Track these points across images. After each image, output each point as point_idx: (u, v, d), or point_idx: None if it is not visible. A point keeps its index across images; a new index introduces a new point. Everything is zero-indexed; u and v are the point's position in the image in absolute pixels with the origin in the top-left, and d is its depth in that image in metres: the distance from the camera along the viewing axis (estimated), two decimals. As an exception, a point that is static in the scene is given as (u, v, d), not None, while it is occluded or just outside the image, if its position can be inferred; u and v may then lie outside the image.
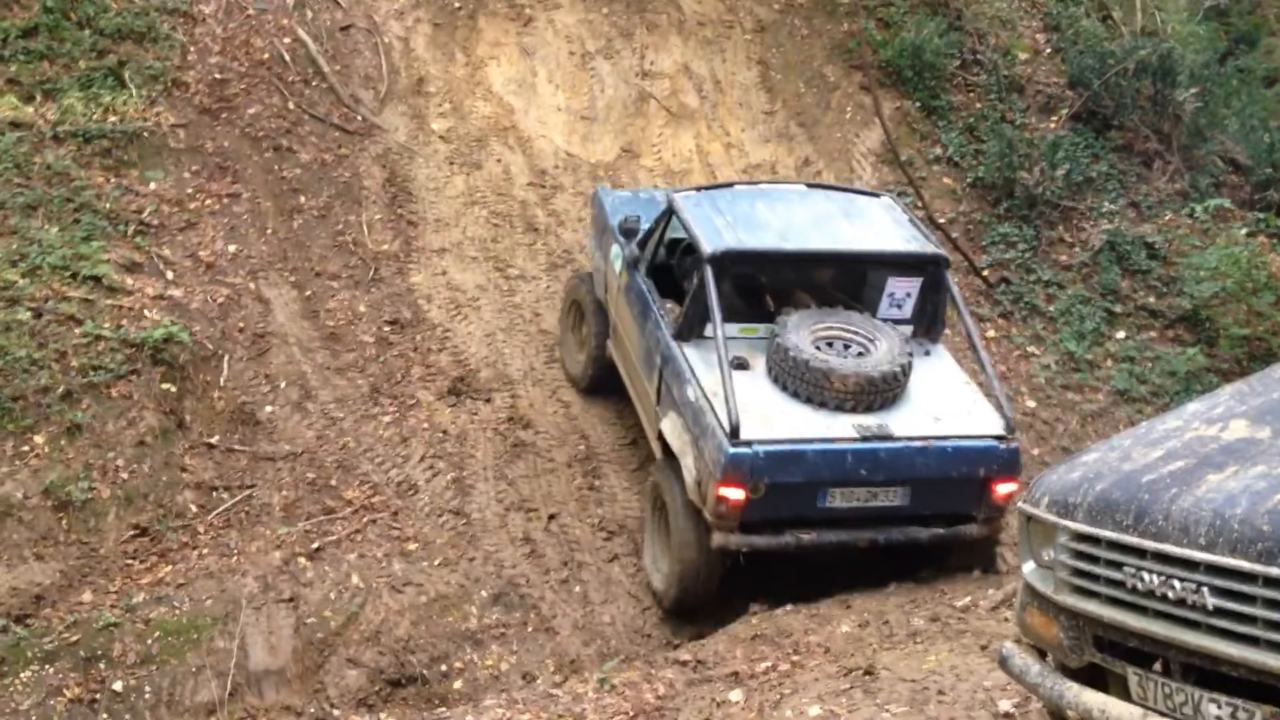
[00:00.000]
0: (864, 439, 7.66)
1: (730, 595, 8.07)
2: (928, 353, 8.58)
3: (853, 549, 7.87)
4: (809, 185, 9.72)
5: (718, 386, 7.65)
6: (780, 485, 7.49)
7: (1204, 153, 13.70)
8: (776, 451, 7.50)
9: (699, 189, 9.22)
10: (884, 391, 7.84)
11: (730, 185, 9.43)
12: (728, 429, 7.45)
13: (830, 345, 8.04)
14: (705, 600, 8.10)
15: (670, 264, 9.26)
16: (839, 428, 7.70)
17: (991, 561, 8.33)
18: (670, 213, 8.92)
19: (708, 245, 8.18)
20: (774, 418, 7.71)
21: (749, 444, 7.45)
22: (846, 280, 8.84)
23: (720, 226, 8.43)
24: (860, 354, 8.00)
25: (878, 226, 8.80)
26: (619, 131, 13.22)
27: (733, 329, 8.21)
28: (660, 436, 8.29)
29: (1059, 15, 14.90)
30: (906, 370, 7.96)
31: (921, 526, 7.87)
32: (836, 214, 8.92)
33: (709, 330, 8.06)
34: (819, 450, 7.59)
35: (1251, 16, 18.30)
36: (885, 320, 8.45)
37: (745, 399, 7.66)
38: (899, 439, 7.70)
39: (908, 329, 8.56)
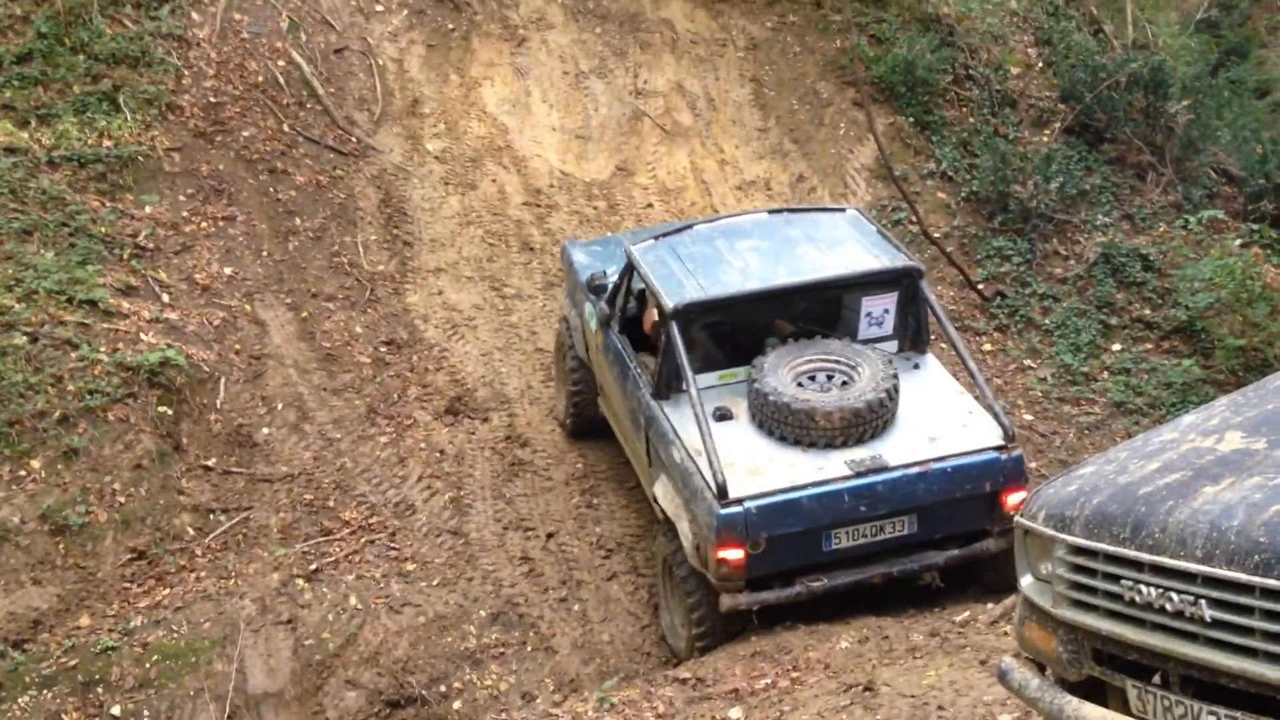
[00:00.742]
0: (858, 474, 7.40)
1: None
2: (916, 365, 8.38)
3: (869, 586, 7.62)
4: (770, 212, 9.39)
5: (701, 445, 7.38)
6: (780, 537, 7.26)
7: (1197, 164, 13.75)
8: (769, 505, 7.26)
9: (657, 236, 8.89)
10: (872, 421, 7.60)
11: (689, 225, 9.10)
12: (715, 490, 7.20)
13: (812, 379, 7.81)
14: (729, 639, 7.80)
15: (638, 315, 8.97)
16: (831, 467, 7.45)
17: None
18: (632, 266, 8.67)
19: (669, 300, 7.93)
20: (763, 468, 7.49)
21: (739, 502, 7.20)
22: (821, 307, 8.54)
23: (680, 276, 8.19)
24: (844, 383, 7.76)
25: (845, 246, 8.53)
26: (613, 150, 13.25)
27: (711, 378, 8.04)
28: (656, 500, 8.08)
29: (1050, 30, 14.97)
30: (893, 394, 7.71)
31: (936, 550, 7.62)
32: (800, 240, 8.63)
33: (685, 385, 7.79)
34: (813, 495, 7.32)
35: (1242, 29, 18.37)
36: (867, 341, 8.25)
37: (731, 452, 7.45)
38: (895, 468, 7.45)
39: (892, 345, 8.39)
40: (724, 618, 7.57)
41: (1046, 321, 11.86)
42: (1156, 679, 3.76)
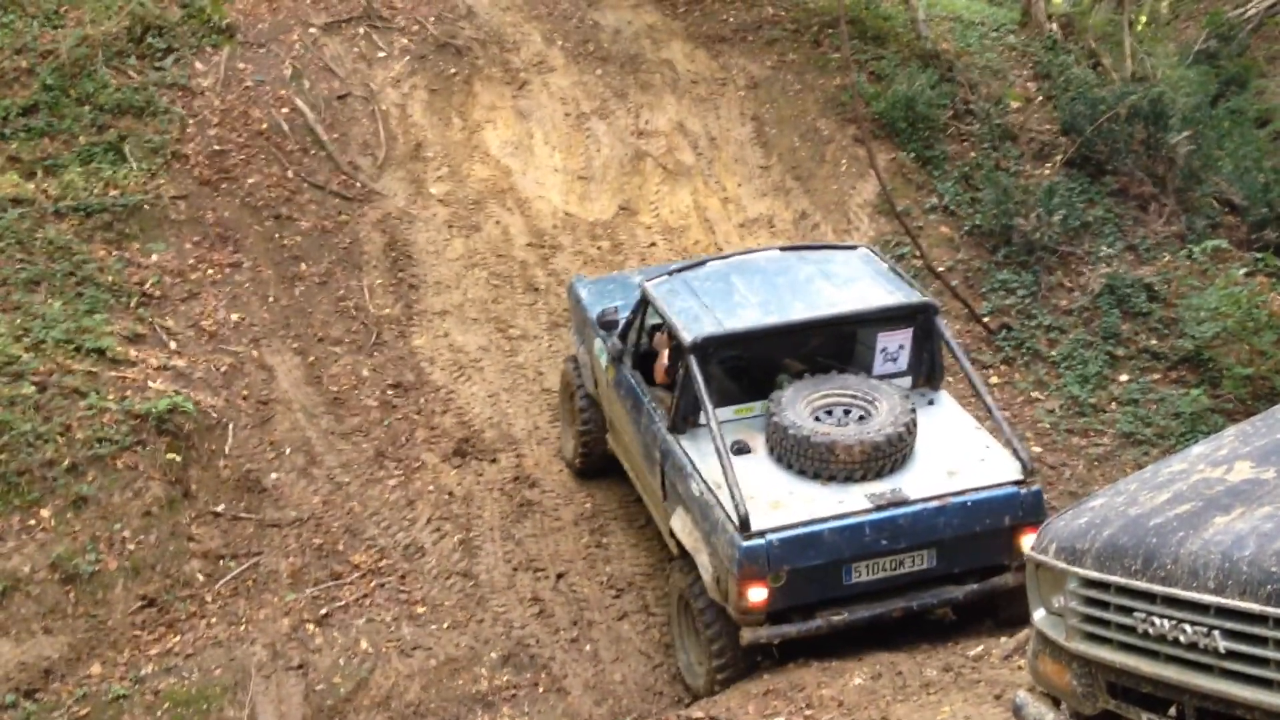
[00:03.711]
0: (879, 508, 7.36)
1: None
2: (931, 402, 8.39)
3: (888, 620, 7.58)
4: (782, 249, 9.40)
5: (721, 478, 7.35)
6: (801, 570, 7.22)
7: (1199, 194, 13.79)
8: (791, 537, 7.21)
9: (671, 272, 8.91)
10: (892, 455, 7.58)
11: (703, 261, 9.09)
12: (737, 523, 7.16)
13: (830, 414, 7.80)
14: (748, 676, 7.73)
15: (651, 352, 8.96)
16: (851, 500, 7.42)
17: None
18: (646, 302, 8.71)
19: (687, 334, 7.93)
20: (783, 501, 7.45)
21: (761, 534, 7.16)
22: (836, 343, 8.57)
23: (698, 311, 8.21)
24: (862, 417, 7.75)
25: (859, 283, 8.56)
26: (616, 190, 13.31)
27: (728, 412, 8.02)
28: (673, 534, 8.02)
29: (1049, 63, 15.05)
30: (912, 428, 7.70)
31: (954, 585, 7.59)
32: (815, 276, 8.65)
33: (704, 418, 7.78)
34: (835, 528, 7.28)
35: (1240, 59, 18.47)
36: (882, 377, 8.26)
37: (751, 485, 7.41)
38: (915, 501, 7.43)
39: (907, 381, 8.41)
40: (743, 651, 7.52)
41: (1053, 353, 11.85)
42: (1172, 711, 3.74)
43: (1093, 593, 3.89)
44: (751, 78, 14.31)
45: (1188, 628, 3.53)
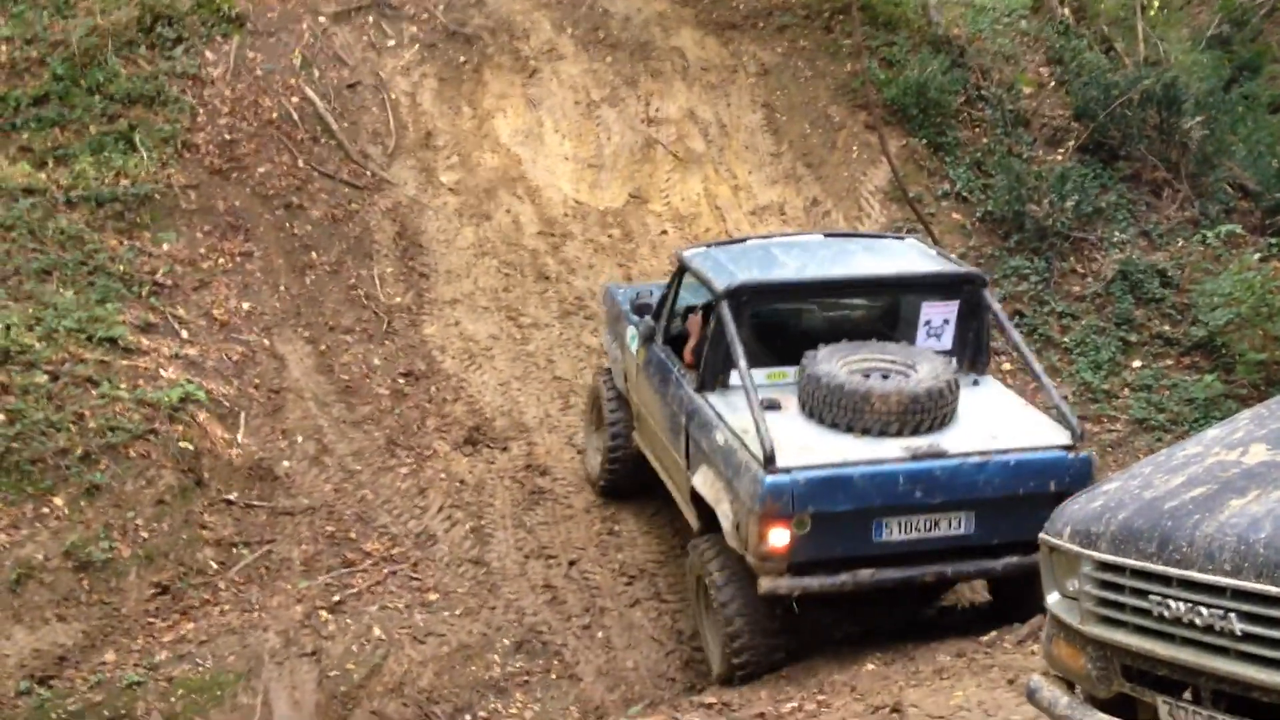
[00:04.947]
0: (914, 458, 6.90)
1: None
2: (976, 382, 7.92)
3: (920, 586, 7.15)
4: (826, 234, 9.11)
5: (748, 424, 6.95)
6: (827, 516, 6.75)
7: (1212, 180, 13.74)
8: (819, 478, 6.75)
9: (709, 245, 8.70)
10: (931, 411, 7.11)
11: (743, 239, 8.88)
12: (762, 458, 6.73)
13: (866, 377, 7.27)
14: (771, 667, 7.35)
15: (684, 334, 8.58)
16: (886, 451, 6.97)
17: None
18: (682, 271, 8.46)
19: (721, 283, 7.62)
20: (813, 447, 6.99)
21: (787, 471, 6.72)
22: (877, 313, 8.18)
23: (734, 269, 7.91)
24: (901, 378, 7.26)
25: (904, 257, 8.29)
26: (627, 178, 13.29)
27: (759, 376, 7.47)
28: (694, 500, 7.66)
29: (1062, 49, 14.98)
30: (954, 388, 7.22)
31: (993, 558, 7.07)
32: (858, 250, 8.46)
33: (733, 379, 7.50)
34: (866, 473, 6.80)
35: (1254, 44, 18.36)
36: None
37: (780, 434, 6.93)
38: (955, 455, 6.94)
39: (951, 362, 7.76)
40: (765, 620, 7.16)
41: (1066, 340, 11.82)
42: (1187, 694, 3.73)
43: (1108, 576, 3.88)
44: (762, 64, 14.27)
45: (1203, 610, 3.52)
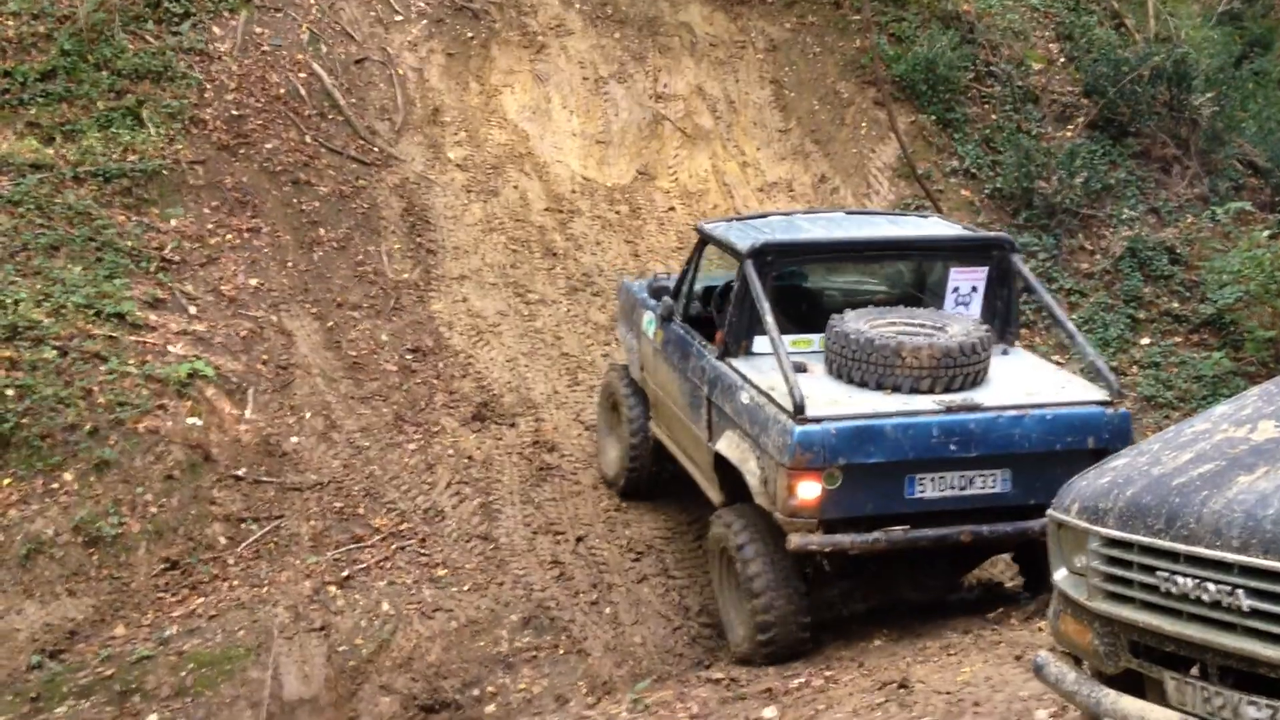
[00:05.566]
0: (948, 410, 6.71)
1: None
2: (1005, 351, 7.75)
3: (949, 553, 6.95)
4: (848, 212, 8.97)
5: (775, 382, 6.80)
6: (858, 469, 6.55)
7: (1222, 156, 13.69)
8: (849, 429, 6.56)
9: (730, 219, 8.55)
10: (964, 366, 6.91)
11: (765, 215, 8.76)
12: (791, 409, 6.55)
13: (897, 334, 7.11)
14: (796, 646, 7.14)
15: (705, 315, 8.41)
16: (918, 405, 6.78)
17: None
18: (702, 245, 8.35)
19: (744, 244, 7.43)
20: (843, 401, 6.81)
21: (818, 421, 6.54)
22: (903, 281, 8.01)
23: (754, 232, 7.79)
24: (932, 334, 7.11)
25: (930, 226, 8.20)
26: (634, 154, 13.27)
27: (784, 343, 7.16)
28: (717, 470, 7.51)
29: (1071, 25, 14.92)
30: (986, 344, 7.04)
31: (1030, 519, 6.75)
32: (882, 221, 8.38)
33: (756, 346, 7.38)
34: (899, 424, 6.61)
35: (1265, 20, 18.28)
36: None
37: (809, 391, 6.75)
38: (990, 408, 6.76)
39: None
40: (792, 591, 6.95)
41: (1074, 317, 11.80)
42: (1195, 670, 3.73)
43: (1115, 552, 3.89)
44: (770, 40, 14.21)
45: (1211, 586, 3.52)
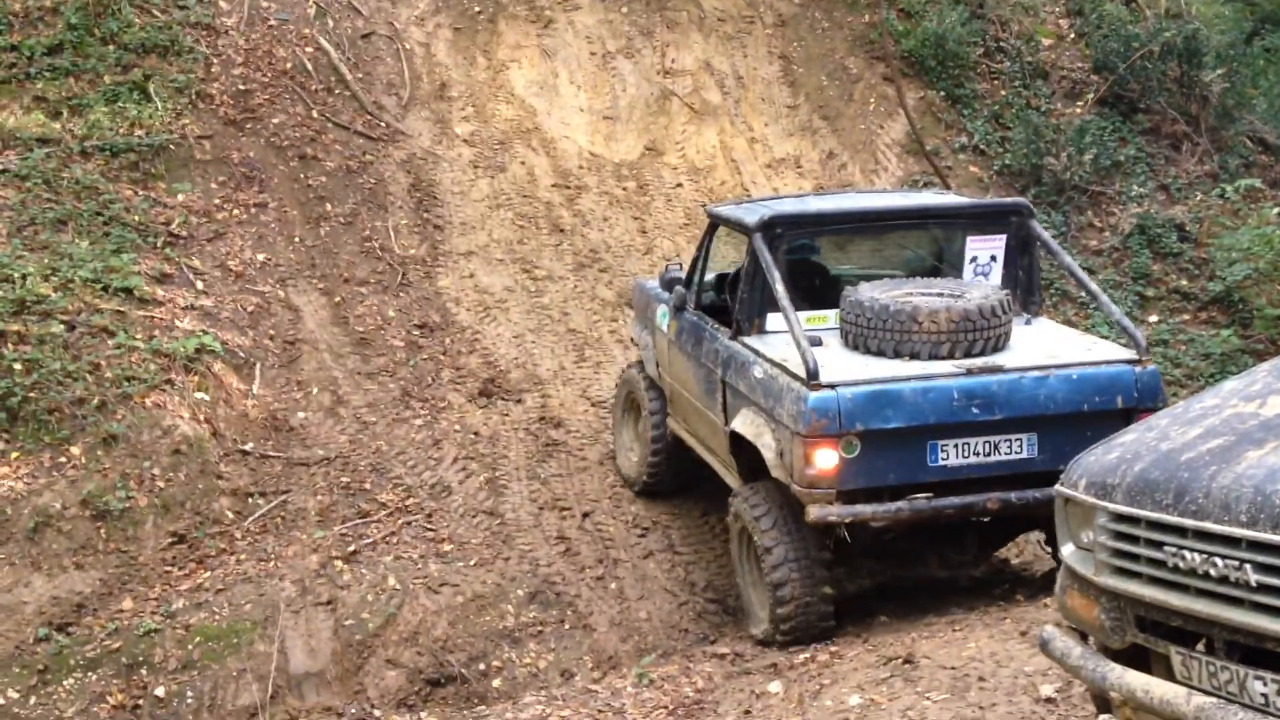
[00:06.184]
0: (969, 373, 6.52)
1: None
2: (1027, 322, 7.54)
3: (981, 512, 6.66)
4: (859, 193, 9.02)
5: (788, 354, 6.65)
6: (877, 436, 6.36)
7: (1232, 133, 13.63)
8: (867, 394, 6.38)
9: (739, 201, 8.50)
10: (984, 330, 6.73)
11: (773, 198, 8.72)
12: (805, 375, 6.38)
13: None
14: (818, 626, 6.97)
15: (719, 304, 8.25)
16: (938, 369, 6.62)
17: None
18: (713, 229, 8.23)
19: (753, 218, 7.29)
20: (859, 369, 6.65)
21: (832, 387, 6.36)
22: (919, 252, 7.87)
23: (763, 208, 7.67)
24: (950, 298, 6.94)
25: (945, 197, 8.12)
26: (642, 130, 13.23)
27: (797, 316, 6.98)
28: (734, 450, 7.36)
29: (1082, 0, 14.83)
30: (1006, 307, 6.87)
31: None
32: (895, 196, 8.36)
33: (769, 324, 7.27)
34: (918, 388, 6.42)
35: (1277, -5, 18.16)
36: None
37: (824, 360, 6.58)
38: (1013, 370, 6.56)
39: None
40: (814, 572, 6.78)
41: (1082, 294, 11.76)
42: (1201, 645, 3.73)
43: (1122, 527, 3.87)
44: (779, 15, 14.15)
45: (1219, 561, 3.51)
